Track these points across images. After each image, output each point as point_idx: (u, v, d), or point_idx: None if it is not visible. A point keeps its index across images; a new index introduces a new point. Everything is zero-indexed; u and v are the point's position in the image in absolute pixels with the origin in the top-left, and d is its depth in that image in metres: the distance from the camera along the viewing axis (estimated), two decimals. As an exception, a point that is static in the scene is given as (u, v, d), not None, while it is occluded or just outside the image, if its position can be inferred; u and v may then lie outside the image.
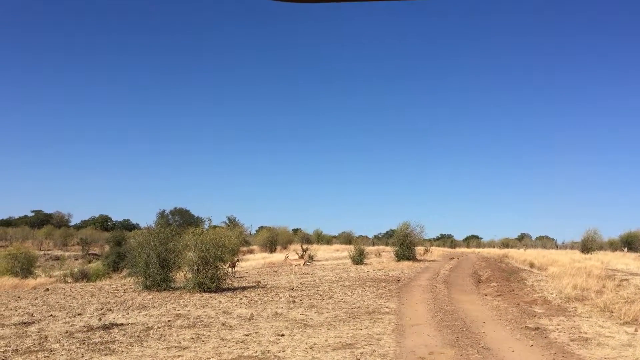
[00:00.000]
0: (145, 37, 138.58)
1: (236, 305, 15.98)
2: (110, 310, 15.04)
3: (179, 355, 9.20)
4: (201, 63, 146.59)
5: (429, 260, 40.07)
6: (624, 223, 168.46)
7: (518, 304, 16.65)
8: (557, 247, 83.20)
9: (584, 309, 15.74)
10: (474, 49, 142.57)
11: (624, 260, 39.45)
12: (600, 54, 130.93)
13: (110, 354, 9.35)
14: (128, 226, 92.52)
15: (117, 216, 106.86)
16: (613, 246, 65.84)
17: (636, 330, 12.18)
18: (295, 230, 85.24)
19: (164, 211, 72.36)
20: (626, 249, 59.18)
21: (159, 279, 20.14)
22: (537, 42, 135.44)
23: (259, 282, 23.61)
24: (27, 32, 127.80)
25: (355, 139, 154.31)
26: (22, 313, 14.51)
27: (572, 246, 75.14)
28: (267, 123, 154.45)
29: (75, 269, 35.07)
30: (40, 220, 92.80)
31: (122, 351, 9.61)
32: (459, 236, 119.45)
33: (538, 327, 12.46)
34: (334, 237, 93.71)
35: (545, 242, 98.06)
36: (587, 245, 57.56)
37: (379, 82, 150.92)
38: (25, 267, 33.94)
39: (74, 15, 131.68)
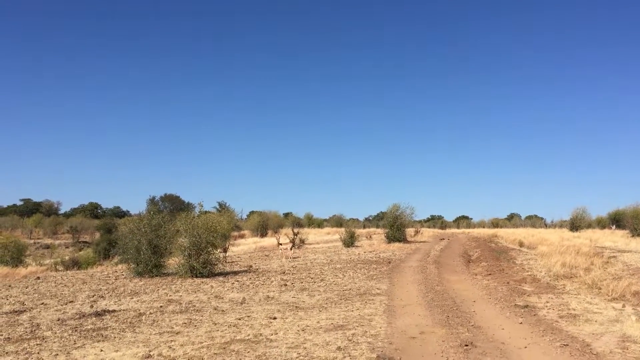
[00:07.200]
0: (137, 26, 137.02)
1: (228, 289, 16.01)
2: (102, 297, 15.02)
3: (171, 340, 9.22)
4: (189, 49, 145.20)
5: (420, 242, 40.34)
6: (612, 201, 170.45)
7: (508, 283, 16.82)
8: (546, 226, 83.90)
9: (572, 286, 15.93)
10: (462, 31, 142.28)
11: (612, 238, 39.94)
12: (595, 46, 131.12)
13: (102, 340, 9.35)
14: (118, 213, 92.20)
15: (107, 203, 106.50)
16: (601, 224, 66.52)
17: (624, 306, 12.35)
18: (286, 215, 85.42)
19: (154, 197, 72.19)
20: (614, 226, 59.81)
21: (150, 265, 20.11)
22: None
23: (251, 266, 23.66)
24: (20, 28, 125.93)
25: (346, 123, 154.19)
26: (13, 302, 14.46)
27: (561, 225, 75.81)
28: (256, 108, 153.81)
29: (66, 257, 34.94)
30: (29, 209, 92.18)
31: (115, 337, 9.62)
32: (449, 217, 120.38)
33: (527, 305, 12.61)
34: (325, 220, 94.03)
35: (534, 221, 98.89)
36: (576, 224, 58.13)
37: (368, 67, 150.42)
38: (15, 256, 33.78)
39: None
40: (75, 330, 10.24)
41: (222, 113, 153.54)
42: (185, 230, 20.14)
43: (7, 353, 8.57)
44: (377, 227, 73.04)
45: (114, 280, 19.33)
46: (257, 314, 11.67)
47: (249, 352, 8.25)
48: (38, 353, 8.53)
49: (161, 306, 13.06)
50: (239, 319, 11.12)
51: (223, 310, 12.32)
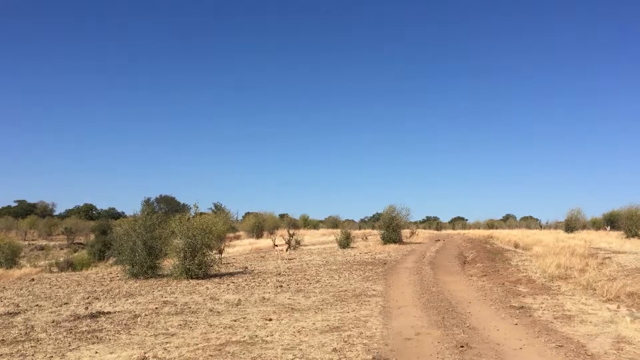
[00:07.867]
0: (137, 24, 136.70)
1: (223, 291, 15.98)
2: (97, 298, 14.96)
3: (166, 342, 9.20)
4: (186, 50, 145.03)
5: (415, 243, 40.35)
6: (607, 202, 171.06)
7: (503, 284, 16.84)
8: (541, 227, 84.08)
9: (567, 287, 15.97)
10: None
11: (606, 239, 39.99)
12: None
13: (97, 342, 9.32)
14: (113, 215, 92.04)
15: (102, 205, 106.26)
16: (596, 225, 66.72)
17: (618, 307, 12.39)
18: (282, 216, 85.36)
19: (149, 199, 72.07)
20: (609, 227, 59.95)
21: (145, 266, 20.04)
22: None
23: (246, 267, 23.61)
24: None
25: (340, 124, 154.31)
26: (7, 303, 14.39)
27: (556, 226, 75.96)
28: (251, 109, 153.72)
29: (61, 259, 34.85)
30: (23, 210, 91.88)
31: (110, 339, 9.58)
32: (445, 218, 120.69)
33: (522, 306, 12.63)
34: (321, 221, 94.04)
35: (529, 222, 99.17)
36: (571, 225, 58.20)
37: (365, 68, 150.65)
38: (9, 258, 33.66)
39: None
40: (70, 332, 10.20)
41: (218, 114, 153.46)
42: (181, 231, 20.08)
43: (1, 355, 8.53)
44: (373, 228, 73.02)
45: (108, 282, 19.26)
46: (253, 316, 11.66)
47: (244, 353, 8.24)
48: (32, 355, 8.49)
49: (156, 308, 13.02)
50: (235, 321, 11.10)
51: (218, 312, 12.29)
